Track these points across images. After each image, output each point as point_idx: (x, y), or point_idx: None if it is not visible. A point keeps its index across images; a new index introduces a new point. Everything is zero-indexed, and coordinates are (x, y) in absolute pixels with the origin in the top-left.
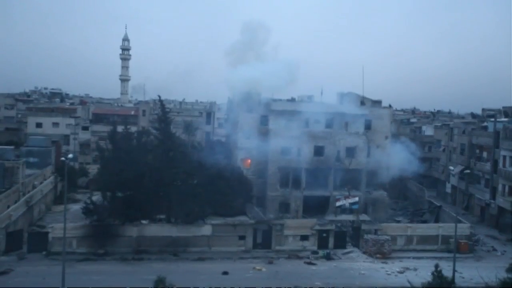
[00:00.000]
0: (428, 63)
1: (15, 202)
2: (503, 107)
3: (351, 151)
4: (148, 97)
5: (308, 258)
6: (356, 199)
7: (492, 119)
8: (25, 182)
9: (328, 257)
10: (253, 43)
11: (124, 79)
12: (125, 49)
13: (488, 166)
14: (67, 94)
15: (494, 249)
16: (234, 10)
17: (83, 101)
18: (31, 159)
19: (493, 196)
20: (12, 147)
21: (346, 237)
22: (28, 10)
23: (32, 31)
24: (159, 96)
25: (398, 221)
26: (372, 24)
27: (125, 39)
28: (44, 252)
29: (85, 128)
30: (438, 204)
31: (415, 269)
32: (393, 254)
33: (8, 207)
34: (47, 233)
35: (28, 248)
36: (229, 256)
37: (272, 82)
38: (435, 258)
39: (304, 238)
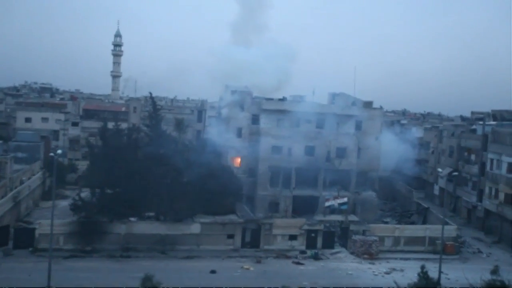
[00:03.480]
0: (419, 65)
1: (2, 197)
2: (492, 110)
3: (341, 152)
4: (139, 93)
5: (296, 257)
6: (345, 199)
7: (481, 122)
8: (12, 177)
9: (316, 257)
10: (250, 20)
11: (116, 75)
12: (117, 45)
13: (475, 169)
14: (57, 89)
15: (480, 251)
16: (229, 7)
17: (74, 97)
18: (20, 154)
19: (480, 199)
20: (0, 141)
21: (334, 237)
22: (19, 4)
23: (23, 25)
24: (150, 93)
25: (386, 222)
26: (364, 25)
27: (117, 35)
28: (30, 249)
29: (75, 124)
30: (426, 206)
31: (402, 270)
32: (381, 255)
33: None
34: (33, 229)
35: (14, 244)
36: (218, 255)
37: (266, 68)
38: (422, 259)
39: (292, 237)
